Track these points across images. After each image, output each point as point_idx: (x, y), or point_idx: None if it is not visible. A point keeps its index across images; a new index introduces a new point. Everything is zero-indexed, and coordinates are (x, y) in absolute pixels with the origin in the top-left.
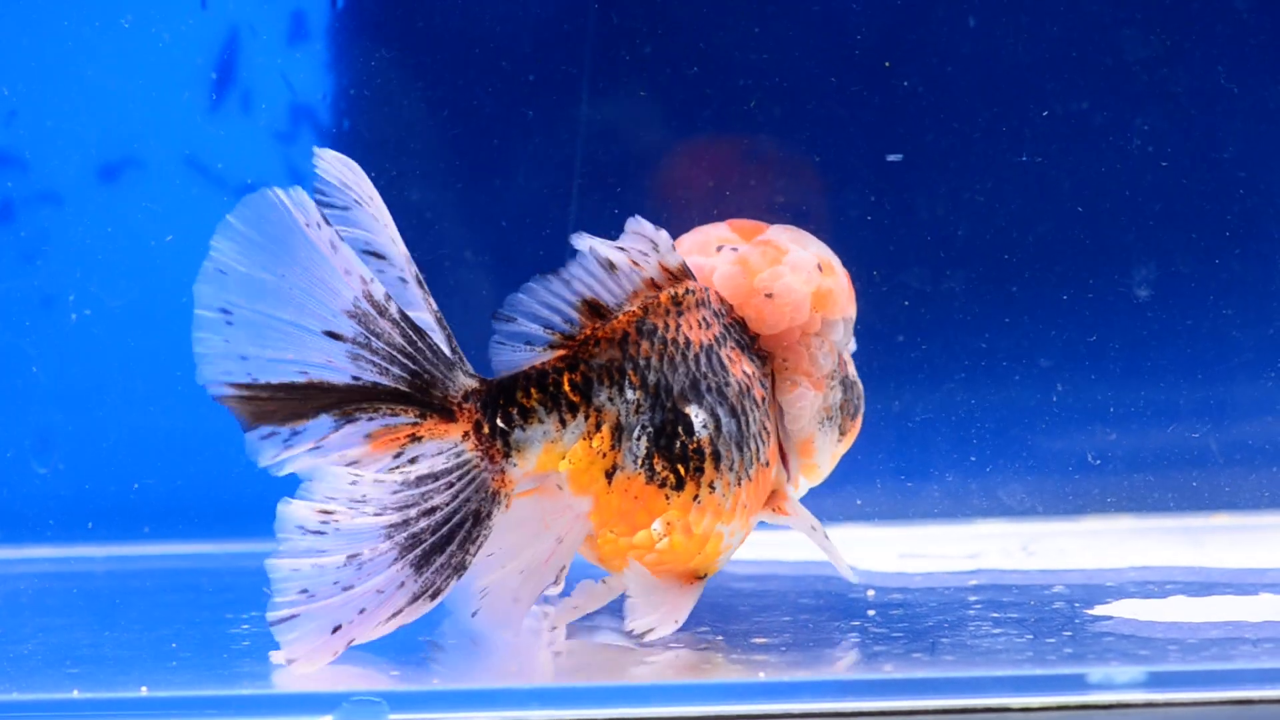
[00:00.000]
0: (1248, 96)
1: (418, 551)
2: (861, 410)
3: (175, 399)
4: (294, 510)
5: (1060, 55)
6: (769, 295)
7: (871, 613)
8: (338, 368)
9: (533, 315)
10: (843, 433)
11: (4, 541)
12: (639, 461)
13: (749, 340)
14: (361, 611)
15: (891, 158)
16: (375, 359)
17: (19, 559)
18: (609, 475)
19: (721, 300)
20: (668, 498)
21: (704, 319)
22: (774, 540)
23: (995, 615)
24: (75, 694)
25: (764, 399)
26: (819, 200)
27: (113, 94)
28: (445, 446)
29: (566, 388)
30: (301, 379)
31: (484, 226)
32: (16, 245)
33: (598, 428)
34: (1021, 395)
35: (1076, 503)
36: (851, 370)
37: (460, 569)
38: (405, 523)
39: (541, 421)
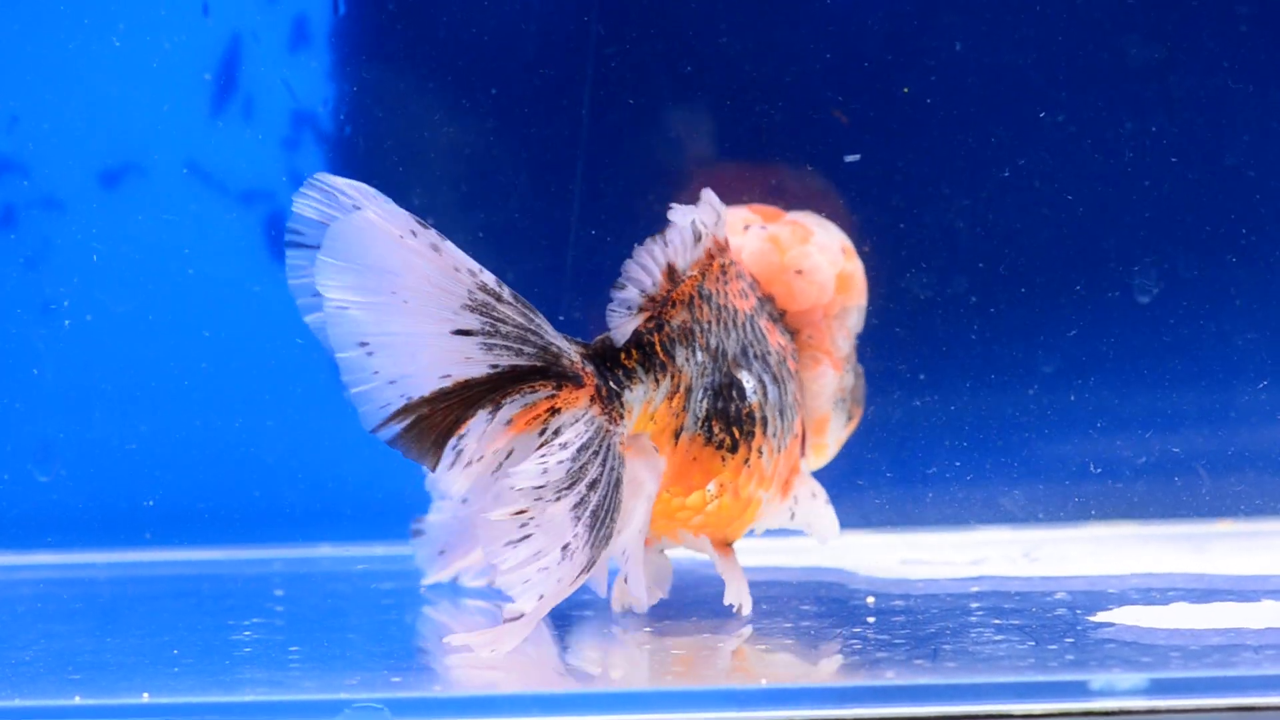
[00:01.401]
0: (1250, 102)
1: (597, 526)
2: (863, 398)
3: (177, 405)
4: (494, 525)
5: (1060, 61)
6: (799, 272)
7: (872, 619)
8: (475, 361)
9: (634, 279)
10: (850, 418)
11: (6, 548)
12: (699, 423)
13: (778, 315)
14: (559, 580)
15: (849, 158)
16: (506, 343)
17: (21, 565)
18: (676, 436)
19: (752, 276)
20: (723, 459)
21: (744, 290)
22: (776, 547)
23: (997, 622)
24: (77, 700)
25: (795, 371)
26: (821, 204)
27: (115, 100)
28: (580, 414)
29: (658, 348)
30: (449, 383)
31: (486, 231)
32: (18, 251)
33: (677, 389)
34: (1023, 402)
35: (1078, 509)
36: (856, 359)
37: (609, 537)
38: (581, 501)
39: (641, 382)
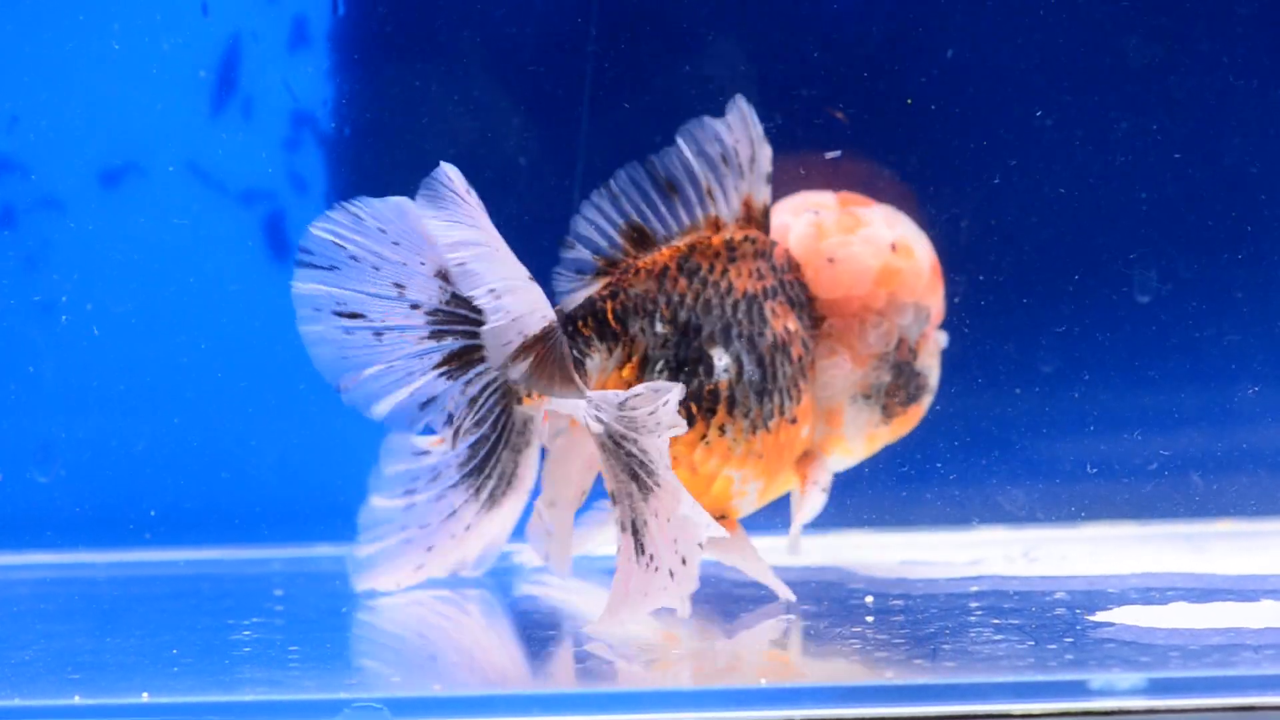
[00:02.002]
0: (1251, 101)
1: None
2: (920, 401)
3: (177, 406)
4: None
5: (1057, 61)
6: (831, 260)
7: (871, 618)
8: (547, 305)
9: (585, 239)
10: (889, 416)
11: (6, 548)
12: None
13: (806, 300)
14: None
15: (829, 155)
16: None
17: (20, 565)
18: None
19: (789, 258)
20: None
21: (759, 270)
22: (774, 545)
23: (996, 621)
24: (77, 700)
25: (801, 358)
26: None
27: (114, 100)
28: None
29: (610, 317)
30: (546, 323)
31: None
32: (18, 251)
33: (629, 358)
34: (1022, 401)
35: (1078, 509)
36: (923, 360)
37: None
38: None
39: (597, 350)
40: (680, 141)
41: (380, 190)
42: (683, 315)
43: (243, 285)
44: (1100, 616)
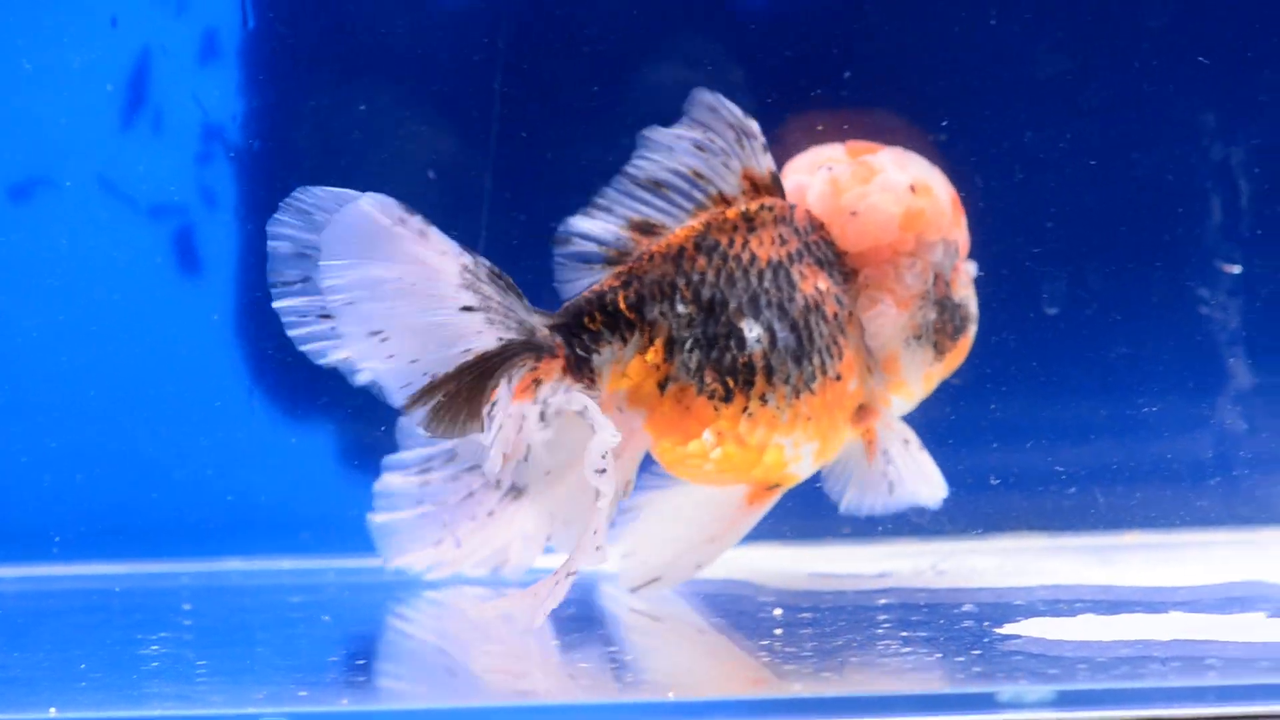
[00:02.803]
0: (1163, 111)
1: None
2: (967, 331)
3: (85, 420)
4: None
5: (970, 69)
6: (854, 214)
7: (779, 631)
8: (485, 335)
9: (585, 235)
10: (940, 352)
11: None
12: (691, 373)
13: (834, 257)
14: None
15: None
16: (500, 317)
17: None
18: (661, 387)
19: (811, 218)
20: (716, 409)
21: (780, 235)
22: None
23: (905, 634)
24: None
25: (837, 315)
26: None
27: (23, 113)
28: (556, 385)
29: (622, 306)
30: (470, 356)
31: None
32: None
33: (651, 342)
34: (930, 413)
35: (986, 521)
36: (959, 293)
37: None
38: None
39: (609, 343)
40: (646, 146)
41: None
42: (706, 293)
43: (153, 299)
44: (1008, 628)
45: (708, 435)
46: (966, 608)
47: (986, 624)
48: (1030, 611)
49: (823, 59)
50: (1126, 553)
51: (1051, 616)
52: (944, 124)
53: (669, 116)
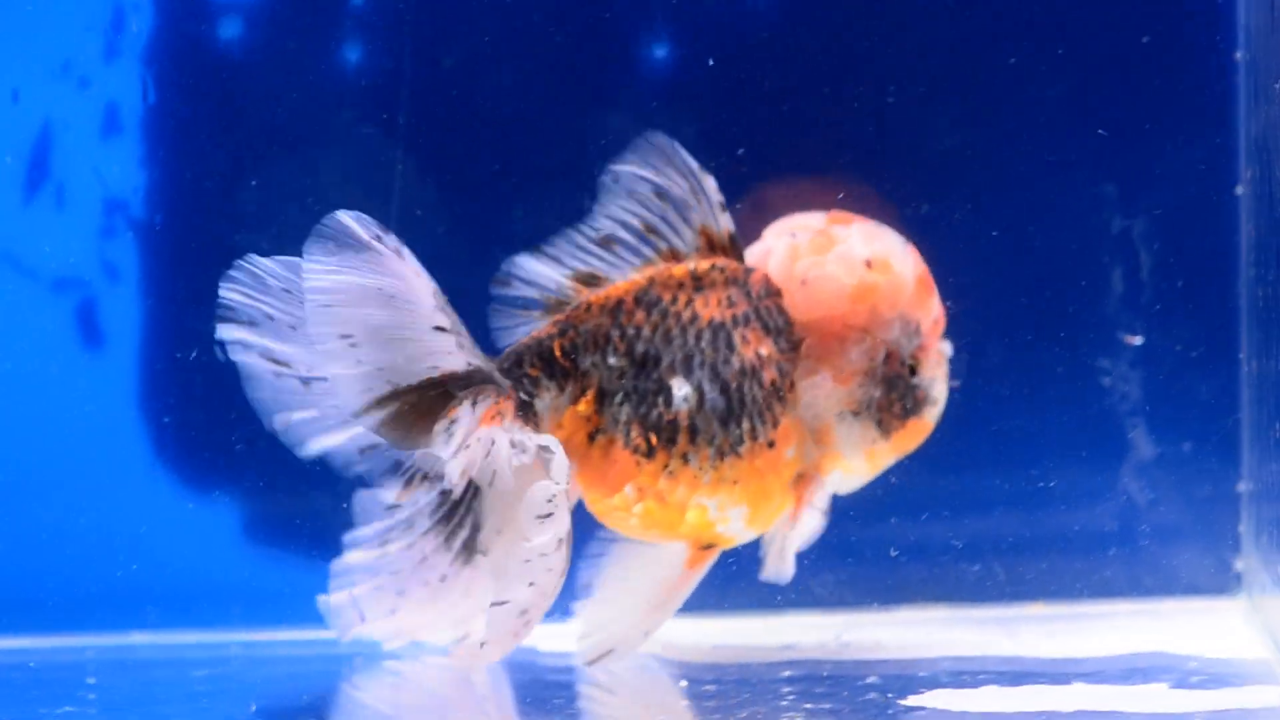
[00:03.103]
0: (1060, 186)
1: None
2: (921, 414)
3: None
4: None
5: (869, 145)
6: (804, 282)
7: (685, 703)
8: (456, 356)
9: (527, 280)
10: (886, 430)
11: None
12: (618, 426)
13: (784, 325)
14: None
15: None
16: (469, 344)
17: None
18: (591, 438)
19: (768, 283)
20: (639, 464)
21: (730, 297)
22: (572, 631)
23: (809, 706)
24: None
25: (775, 382)
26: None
27: None
28: (513, 426)
29: (558, 354)
30: (436, 373)
31: None
32: None
33: (583, 392)
34: None
35: (889, 593)
36: (924, 373)
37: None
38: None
39: (548, 389)
40: (603, 193)
41: (193, 280)
42: (640, 347)
43: (55, 372)
44: (912, 700)
45: (629, 489)
46: (870, 679)
47: (890, 695)
48: (934, 683)
49: (717, 133)
50: (1030, 624)
51: (955, 688)
52: (840, 196)
53: (565, 194)
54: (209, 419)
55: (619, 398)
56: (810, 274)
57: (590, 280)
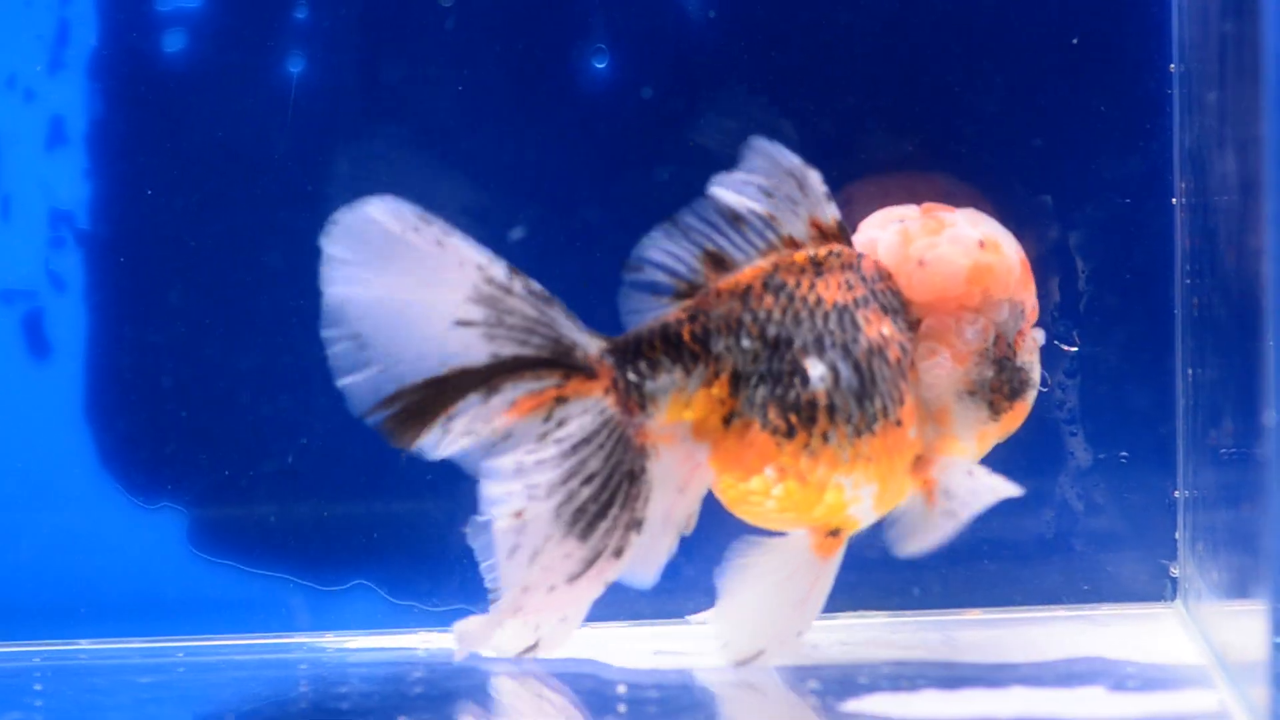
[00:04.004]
0: (997, 196)
1: (582, 522)
2: (1025, 396)
3: None
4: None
5: (804, 157)
6: (921, 263)
7: (623, 708)
8: (475, 350)
9: (658, 264)
10: (996, 412)
11: None
12: (755, 409)
13: (900, 306)
14: (525, 589)
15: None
16: (511, 334)
17: None
18: (726, 421)
19: (879, 268)
20: (779, 445)
21: (848, 281)
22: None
23: (748, 712)
24: None
25: (900, 361)
26: None
27: None
28: (590, 405)
29: (687, 338)
30: (443, 370)
31: (242, 330)
32: None
33: (716, 375)
34: None
35: (830, 599)
36: (1022, 357)
37: (635, 525)
38: (570, 497)
39: (668, 372)
40: (717, 186)
41: (139, 291)
42: (771, 330)
43: (0, 383)
44: (851, 705)
45: (769, 471)
46: (810, 684)
47: (830, 700)
48: (873, 688)
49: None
50: (968, 629)
51: (894, 692)
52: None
53: (505, 207)
54: (155, 429)
55: (754, 380)
56: (927, 255)
57: (719, 261)
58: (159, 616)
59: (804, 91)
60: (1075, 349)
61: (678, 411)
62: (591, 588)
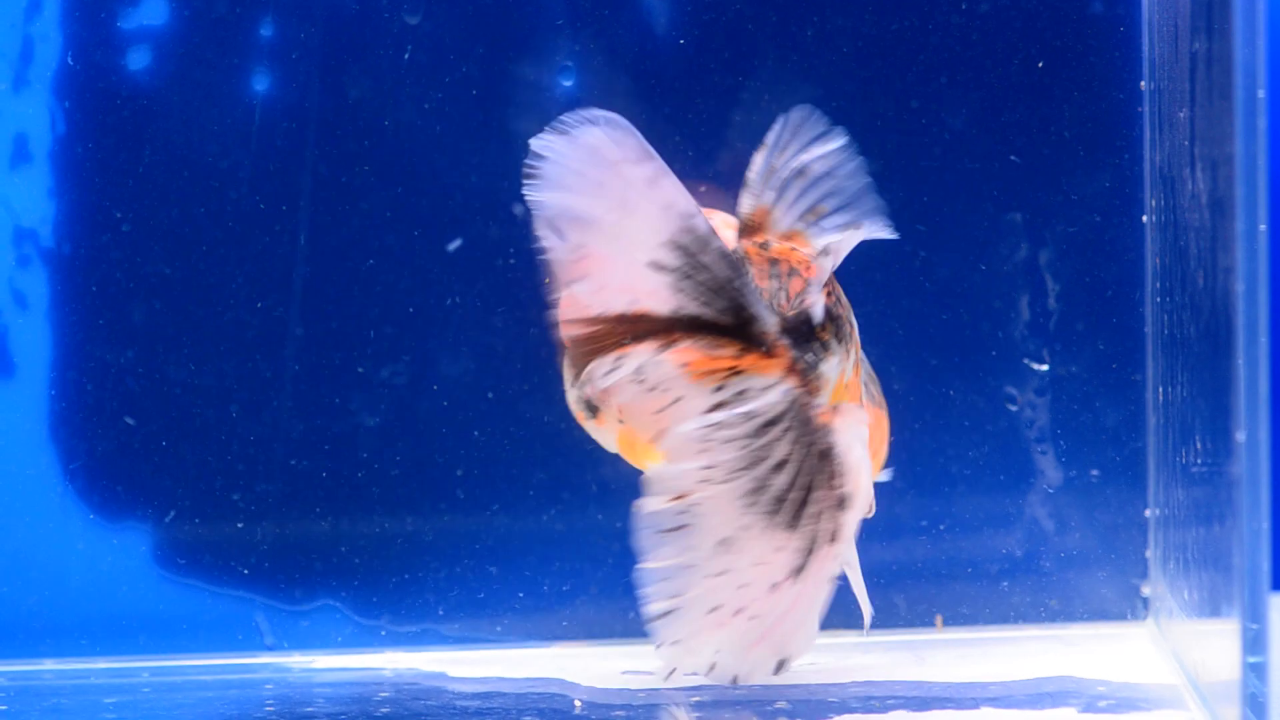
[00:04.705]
0: (969, 213)
1: (783, 510)
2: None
3: None
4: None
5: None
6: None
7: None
8: (661, 298)
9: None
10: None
11: None
12: (866, 390)
13: None
14: (742, 586)
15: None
16: (698, 291)
17: None
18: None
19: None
20: (878, 419)
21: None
22: (498, 658)
23: None
24: None
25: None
26: None
27: None
28: (770, 382)
29: (845, 318)
30: (634, 308)
31: (207, 349)
32: None
33: (856, 356)
34: None
35: None
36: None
37: (844, 502)
38: (760, 487)
39: (834, 354)
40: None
41: (103, 309)
42: (846, 316)
43: None
44: None
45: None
46: (780, 705)
47: None
48: (843, 709)
49: None
50: (938, 649)
51: (864, 713)
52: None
53: (472, 224)
54: (119, 448)
55: (861, 361)
56: None
57: (825, 250)
58: (124, 636)
59: (773, 110)
60: (1045, 367)
61: (840, 393)
62: (818, 582)
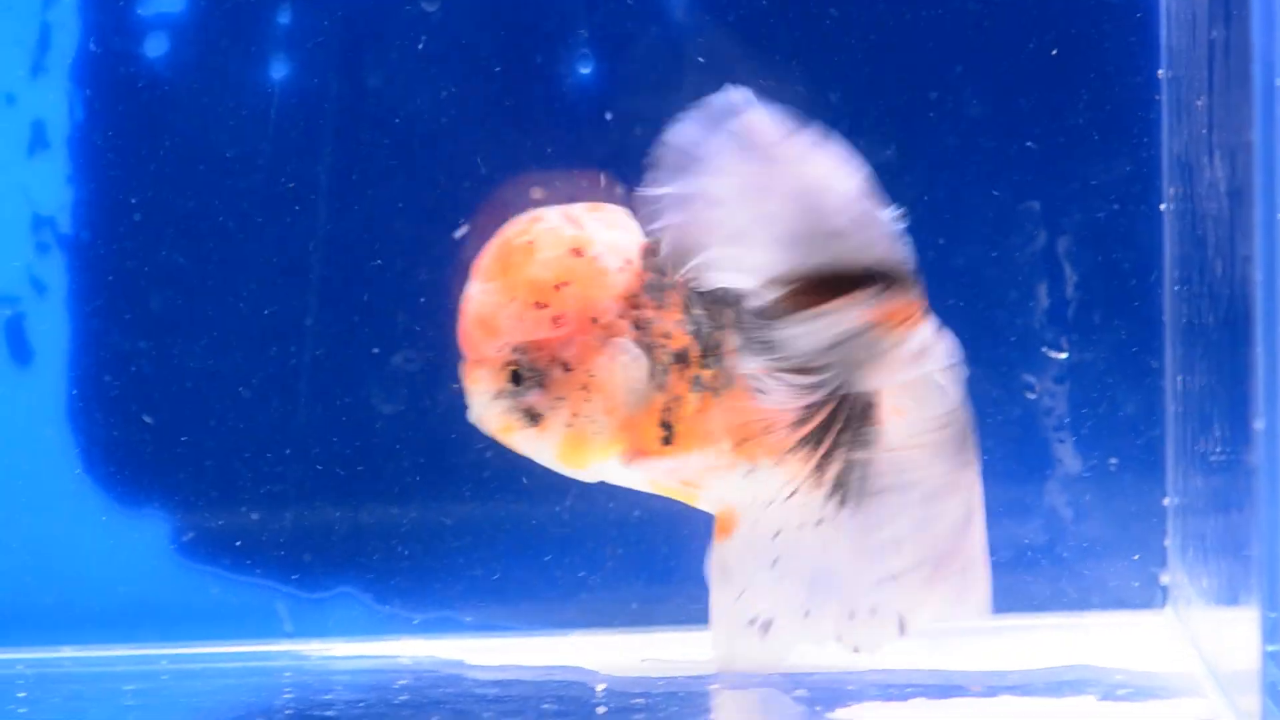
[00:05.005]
0: (985, 201)
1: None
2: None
3: None
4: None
5: None
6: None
7: (603, 710)
8: (851, 250)
9: None
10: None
11: None
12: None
13: None
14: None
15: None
16: (865, 243)
17: None
18: None
19: None
20: None
21: None
22: (517, 646)
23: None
24: None
25: None
26: None
27: None
28: (934, 340)
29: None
30: (828, 263)
31: (226, 335)
32: None
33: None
34: None
35: None
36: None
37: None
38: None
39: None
40: None
41: (121, 296)
42: None
43: None
44: (840, 713)
45: None
46: (799, 693)
47: (819, 708)
48: (862, 696)
49: None
50: (957, 637)
51: (884, 701)
52: None
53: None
54: (138, 435)
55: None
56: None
57: None
58: (143, 624)
59: (789, 98)
60: (1064, 355)
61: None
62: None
